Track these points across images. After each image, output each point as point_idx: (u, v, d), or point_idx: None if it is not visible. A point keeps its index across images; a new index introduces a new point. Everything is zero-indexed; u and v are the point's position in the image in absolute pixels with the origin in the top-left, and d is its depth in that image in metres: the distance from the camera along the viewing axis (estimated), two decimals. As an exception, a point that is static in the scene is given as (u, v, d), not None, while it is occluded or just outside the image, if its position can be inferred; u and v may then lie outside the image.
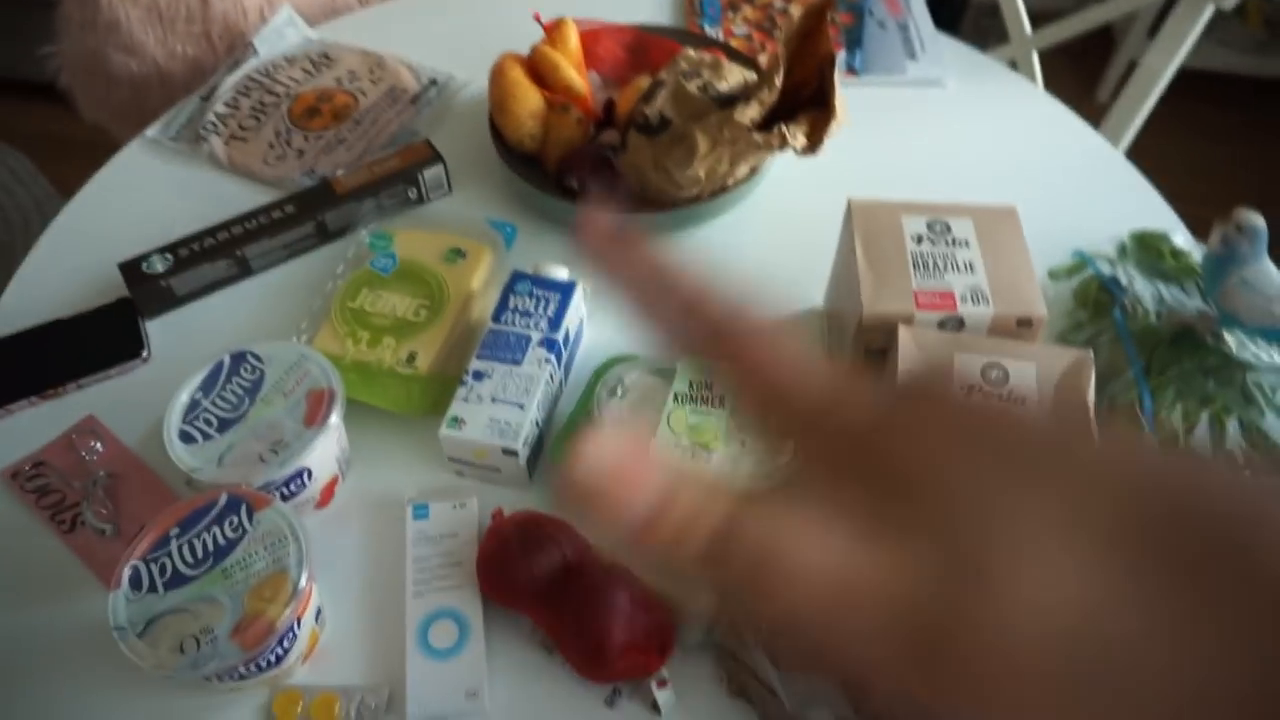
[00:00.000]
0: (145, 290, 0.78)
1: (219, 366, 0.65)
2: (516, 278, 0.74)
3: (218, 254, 0.79)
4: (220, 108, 0.94)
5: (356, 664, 0.61)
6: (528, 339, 0.69)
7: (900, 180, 0.87)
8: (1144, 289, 0.70)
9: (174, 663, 0.52)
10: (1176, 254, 0.74)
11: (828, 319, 0.77)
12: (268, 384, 0.64)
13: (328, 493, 0.66)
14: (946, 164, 0.91)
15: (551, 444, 0.65)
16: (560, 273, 0.74)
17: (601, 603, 0.57)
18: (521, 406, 0.66)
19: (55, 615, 0.63)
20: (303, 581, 0.55)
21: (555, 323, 0.70)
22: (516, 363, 0.68)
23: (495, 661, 0.60)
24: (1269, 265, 0.65)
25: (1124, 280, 0.72)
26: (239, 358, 0.65)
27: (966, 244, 0.66)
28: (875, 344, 0.65)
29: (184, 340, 0.78)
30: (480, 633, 0.60)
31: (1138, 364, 0.65)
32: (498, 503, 0.66)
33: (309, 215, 0.82)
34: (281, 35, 1.02)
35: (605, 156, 0.82)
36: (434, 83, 0.97)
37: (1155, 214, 0.87)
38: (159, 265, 0.78)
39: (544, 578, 0.59)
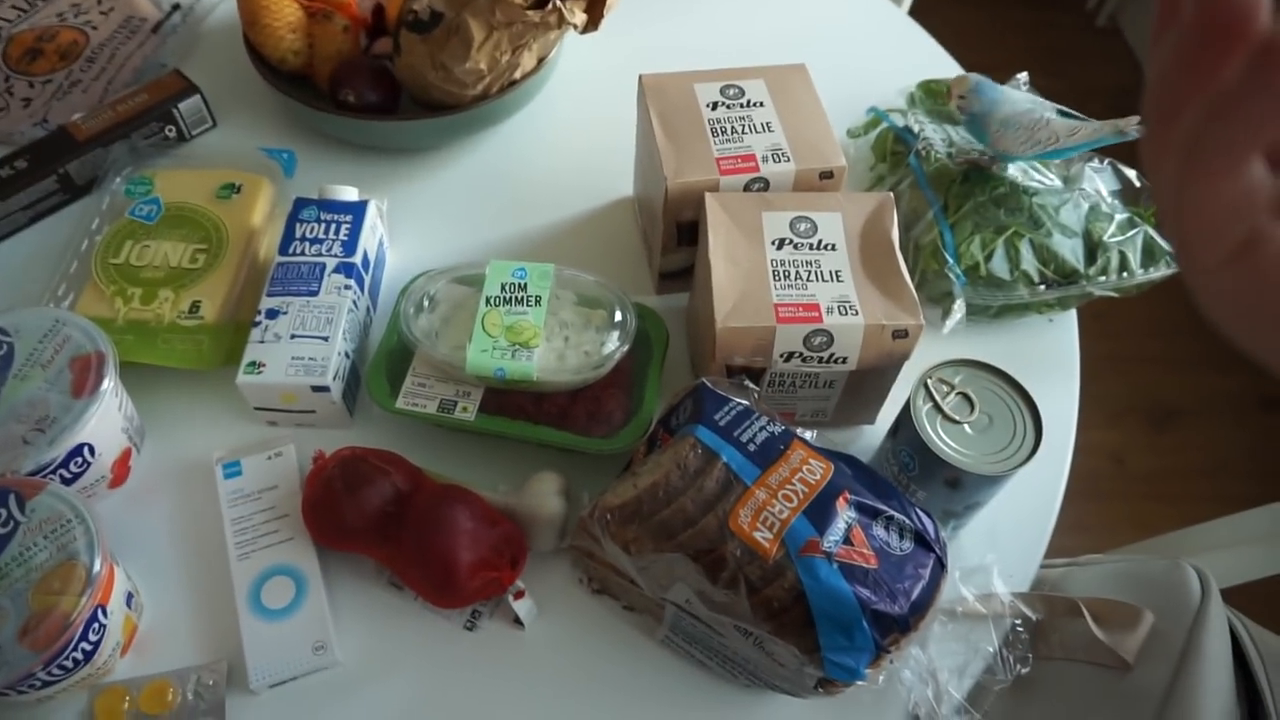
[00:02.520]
0: None
1: (-44, 347, 0.56)
2: (300, 204, 0.67)
3: (-60, 226, 0.68)
4: (-84, 61, 0.80)
5: (186, 645, 0.55)
6: (321, 266, 0.64)
7: (690, 55, 0.85)
8: (934, 133, 0.72)
9: (-45, 681, 0.45)
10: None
11: (638, 203, 0.74)
12: (20, 357, 0.56)
13: (121, 468, 0.59)
14: (735, 35, 0.90)
15: (368, 375, 0.61)
16: (349, 193, 0.68)
17: (443, 526, 0.54)
18: (326, 339, 0.60)
19: None
20: (97, 565, 0.48)
21: (350, 246, 0.65)
22: (313, 293, 0.63)
23: (341, 609, 0.56)
24: (1012, 96, 0.67)
25: (915, 128, 0.73)
26: (-21, 334, 0.57)
27: (761, 105, 0.65)
28: (685, 216, 0.63)
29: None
30: (319, 583, 0.56)
31: (936, 204, 0.67)
32: (317, 445, 0.61)
33: (48, 168, 0.72)
34: (-20, -30, 0.88)
35: (381, 65, 0.75)
36: (176, 7, 0.87)
37: (939, 65, 0.89)
38: None
39: (377, 513, 0.55)
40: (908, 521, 0.49)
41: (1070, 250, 0.66)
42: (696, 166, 0.62)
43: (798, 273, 0.57)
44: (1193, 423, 1.62)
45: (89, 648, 0.50)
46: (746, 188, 0.62)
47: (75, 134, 0.73)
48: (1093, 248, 0.67)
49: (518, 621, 0.56)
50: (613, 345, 0.58)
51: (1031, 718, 0.55)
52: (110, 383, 0.56)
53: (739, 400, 0.53)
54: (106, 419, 0.56)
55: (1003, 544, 0.61)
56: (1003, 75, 0.74)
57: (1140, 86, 0.23)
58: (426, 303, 0.60)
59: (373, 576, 0.58)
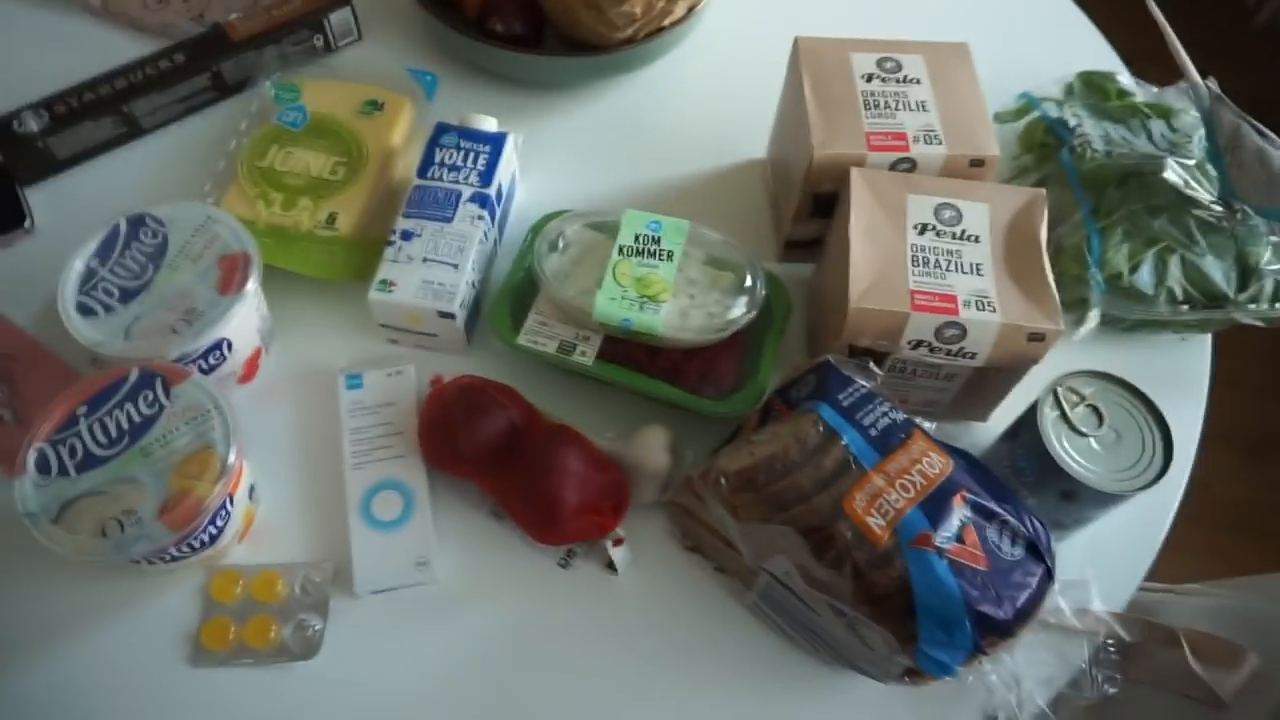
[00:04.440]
0: (19, 152, 0.69)
1: (115, 231, 0.59)
2: (441, 130, 0.68)
3: (101, 110, 0.71)
4: (87, -55, 0.83)
5: (297, 541, 0.58)
6: (458, 194, 0.65)
7: (844, 22, 0.83)
8: (1092, 129, 0.69)
9: (96, 547, 0.48)
10: (1123, 94, 0.72)
11: (771, 167, 0.73)
12: (173, 249, 0.58)
13: (251, 366, 0.62)
14: (892, 4, 0.86)
15: (491, 307, 0.62)
16: (488, 123, 0.69)
17: (552, 465, 0.55)
18: (455, 266, 0.62)
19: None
20: (231, 456, 0.51)
21: (487, 177, 0.66)
22: (447, 220, 0.64)
23: (443, 530, 0.58)
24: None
25: (1071, 122, 0.70)
26: (137, 221, 0.59)
27: (918, 82, 0.63)
28: (825, 188, 0.62)
29: (71, 209, 0.71)
30: (426, 502, 0.58)
31: (1086, 205, 0.64)
32: (435, 370, 0.63)
33: (203, 65, 0.74)
34: None
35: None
36: (333, -84, 0.87)
37: (1100, 56, 0.85)
38: (33, 123, 0.70)
39: (491, 443, 0.56)
40: (1021, 528, 0.49)
41: (1222, 273, 0.63)
42: (845, 139, 0.60)
43: (937, 261, 0.56)
44: (1292, 459, 1.55)
45: (215, 531, 0.53)
46: (893, 167, 0.61)
47: (231, 34, 0.75)
48: (1246, 273, 0.64)
49: (610, 566, 0.57)
50: (739, 310, 0.58)
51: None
52: (254, 284, 0.58)
53: (862, 382, 0.52)
54: (246, 317, 0.58)
55: (1103, 561, 0.59)
56: (1159, 74, 0.70)
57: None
58: (561, 243, 0.61)
59: (476, 504, 0.59)
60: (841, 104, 0.62)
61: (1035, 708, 0.53)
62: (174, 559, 0.52)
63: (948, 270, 0.55)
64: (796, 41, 0.65)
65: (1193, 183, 0.64)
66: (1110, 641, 0.55)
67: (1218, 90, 0.69)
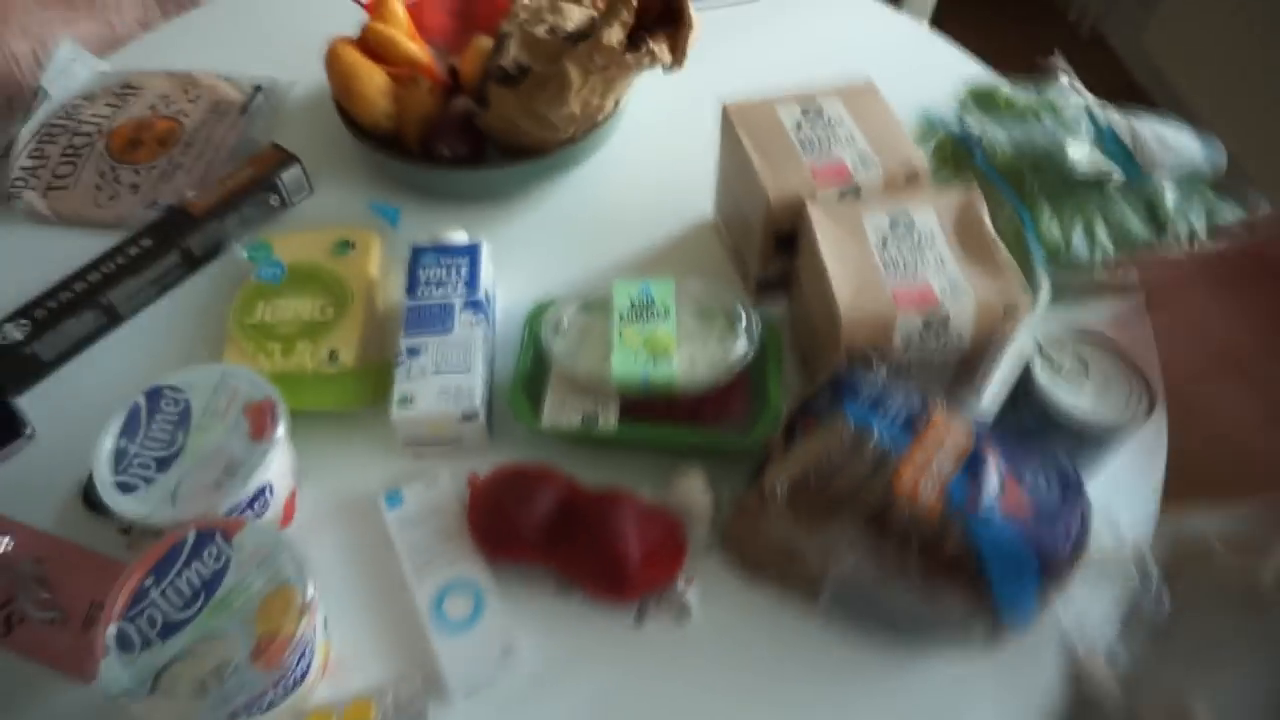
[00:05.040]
0: (6, 364, 0.70)
1: (135, 408, 0.60)
2: (418, 252, 0.72)
3: (80, 306, 0.72)
4: (26, 161, 0.85)
5: (375, 666, 0.59)
6: (450, 306, 0.68)
7: (743, 88, 0.91)
8: (994, 132, 0.78)
9: (198, 707, 0.48)
10: (1010, 101, 0.82)
11: (724, 223, 0.80)
12: (197, 411, 0.60)
13: (290, 508, 0.63)
14: (781, 70, 0.96)
15: (510, 399, 0.65)
16: (459, 237, 0.73)
17: (610, 523, 0.58)
18: (467, 370, 0.65)
19: (21, 720, 0.57)
20: (310, 589, 0.52)
21: (473, 284, 0.70)
22: (447, 331, 0.67)
23: (515, 618, 0.59)
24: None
25: (975, 130, 0.79)
26: (154, 394, 0.61)
27: (841, 121, 0.71)
28: (784, 228, 0.68)
29: (66, 408, 0.71)
30: (494, 593, 0.59)
31: (1012, 195, 0.72)
32: (466, 471, 0.65)
33: (171, 244, 0.76)
34: (70, 73, 0.94)
35: (469, 120, 0.81)
36: (259, 89, 0.92)
37: (976, 74, 0.95)
38: (15, 333, 0.71)
39: (545, 520, 0.59)
40: (1054, 470, 0.53)
41: (1140, 227, 0.71)
42: (793, 180, 0.67)
43: (905, 264, 0.62)
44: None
45: (304, 669, 0.53)
46: (840, 196, 0.67)
47: (191, 210, 0.78)
48: (1159, 223, 0.72)
49: (682, 613, 0.59)
50: (742, 347, 0.63)
51: (1174, 662, 0.59)
52: (284, 425, 0.59)
53: (874, 381, 0.57)
54: (282, 460, 0.60)
55: (1121, 498, 0.65)
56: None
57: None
58: (563, 325, 0.65)
59: (539, 586, 0.61)
60: (782, 152, 0.69)
61: (1105, 644, 0.57)
62: (270, 706, 0.52)
63: (917, 269, 0.61)
64: (725, 108, 0.72)
65: (1092, 157, 0.73)
66: (1151, 565, 0.59)
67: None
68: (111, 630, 0.50)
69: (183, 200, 0.79)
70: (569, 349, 0.64)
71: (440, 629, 0.58)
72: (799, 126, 0.70)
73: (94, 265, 0.75)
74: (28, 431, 0.69)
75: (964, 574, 0.51)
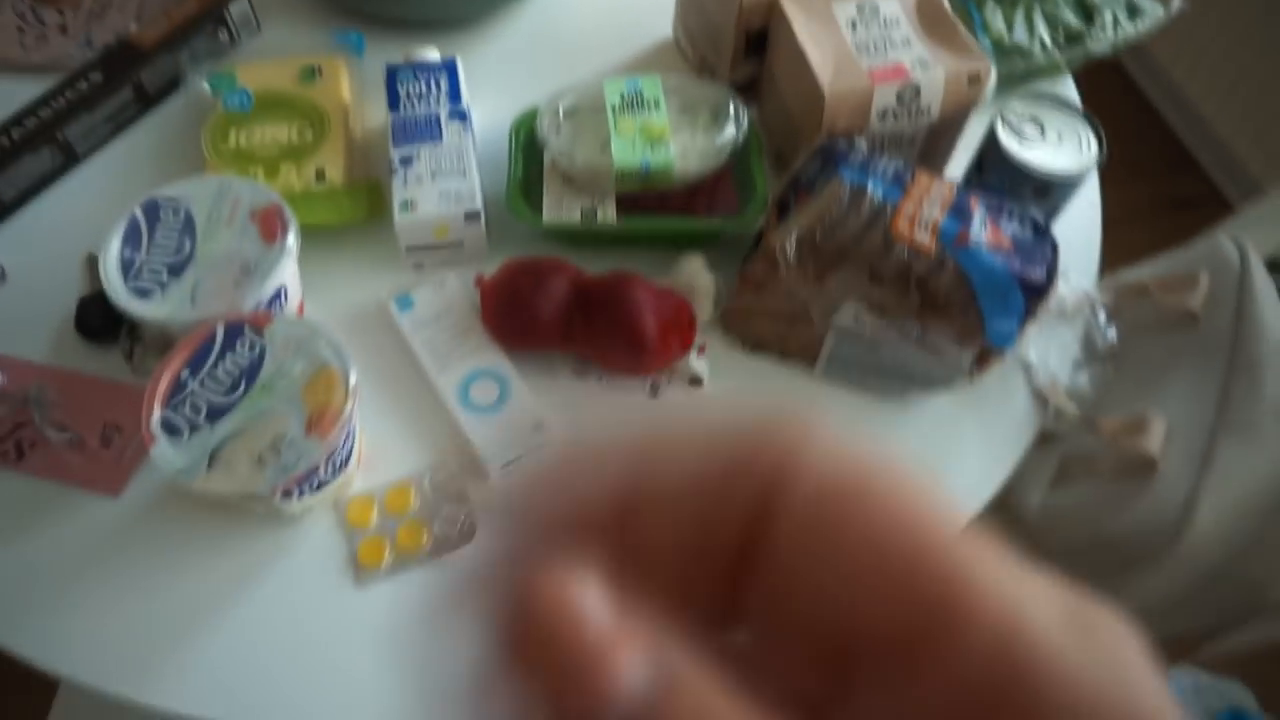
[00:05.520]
0: (-35, 204, 0.67)
1: (134, 220, 0.59)
2: (393, 70, 0.71)
3: (37, 141, 0.69)
4: (-66, 4, 0.79)
5: (408, 456, 0.61)
6: (436, 116, 0.69)
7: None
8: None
9: (260, 477, 0.50)
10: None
11: (687, 36, 0.81)
12: (200, 219, 0.59)
13: (300, 315, 0.63)
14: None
15: (509, 202, 0.66)
16: (432, 55, 0.73)
17: (627, 302, 0.61)
18: (464, 173, 0.66)
19: (64, 540, 0.57)
20: (351, 370, 0.53)
21: (455, 96, 0.70)
22: (437, 139, 0.67)
23: (538, 399, 0.63)
24: None
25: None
26: (151, 205, 0.60)
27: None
28: (754, 25, 0.71)
29: (38, 248, 0.69)
30: (519, 376, 0.62)
31: (958, -13, 0.77)
32: (463, 278, 0.66)
33: (122, 79, 0.73)
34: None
35: (422, -60, 0.79)
36: (181, -74, 0.87)
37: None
38: (-31, 173, 0.67)
39: (561, 305, 0.61)
40: (1024, 216, 0.59)
41: (1072, 14, 0.77)
42: (764, -28, 0.69)
43: (876, 45, 0.66)
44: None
45: (348, 451, 0.55)
46: (809, -13, 0.70)
47: (138, 43, 0.75)
48: (1088, 11, 0.78)
49: (695, 380, 0.64)
50: (730, 134, 0.66)
51: (1125, 383, 0.67)
52: (294, 229, 0.60)
53: (859, 148, 0.62)
54: (293, 265, 0.60)
55: (1069, 253, 0.72)
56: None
57: None
58: (561, 116, 0.66)
59: (555, 370, 0.64)
60: (747, -52, 0.71)
61: (1064, 374, 0.65)
62: (319, 487, 0.54)
63: (888, 49, 0.65)
64: (687, -89, 0.73)
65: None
66: (1100, 305, 0.67)
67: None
68: (155, 419, 0.51)
69: (126, 35, 0.76)
70: (564, 146, 0.66)
71: (470, 413, 0.61)
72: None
73: (44, 101, 0.71)
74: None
75: (957, 304, 0.56)
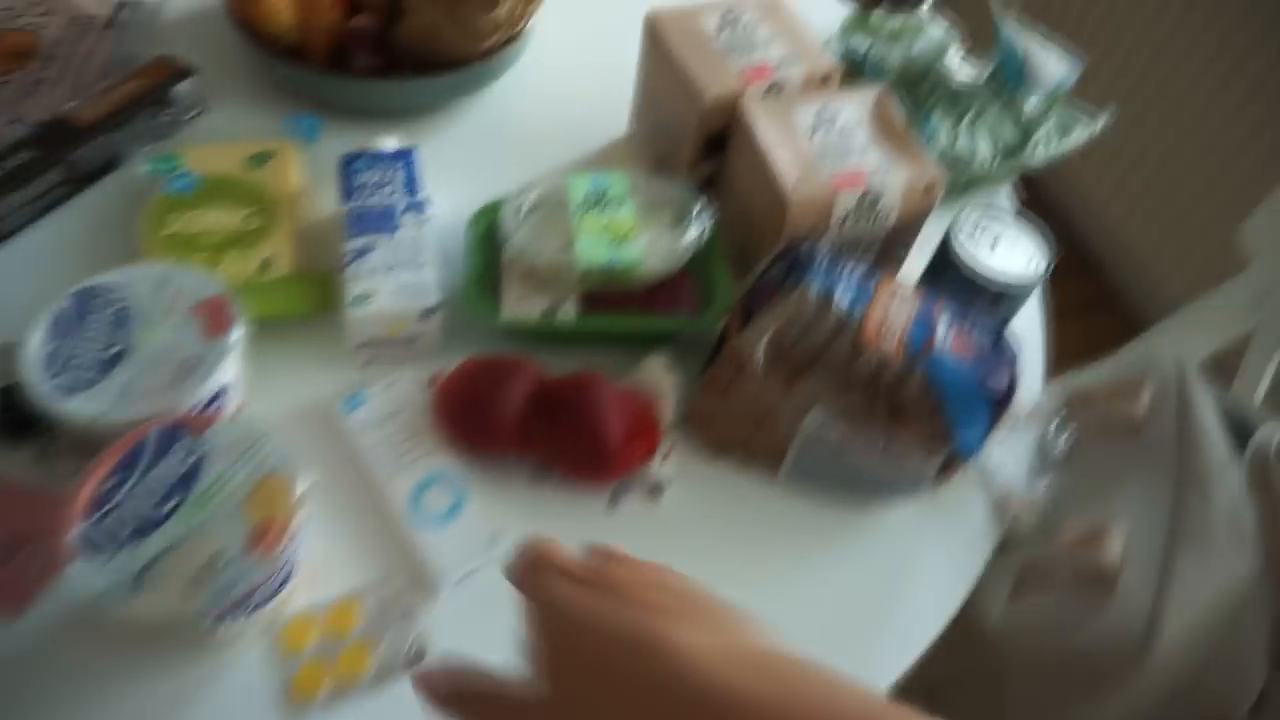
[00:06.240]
0: None
1: (62, 310, 0.55)
2: (349, 158, 0.70)
3: (-46, 223, 0.65)
4: None
5: (351, 570, 0.57)
6: (392, 208, 0.67)
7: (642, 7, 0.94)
8: (880, 50, 0.84)
9: (194, 599, 0.45)
10: (883, 26, 0.89)
11: (646, 133, 0.82)
12: (137, 309, 0.55)
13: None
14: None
15: (467, 297, 0.64)
16: (389, 144, 0.71)
17: (590, 406, 0.59)
18: (421, 267, 0.64)
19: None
20: (300, 478, 0.50)
21: (411, 187, 0.68)
22: (392, 231, 0.65)
23: (494, 507, 0.59)
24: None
25: (861, 49, 0.85)
26: (83, 294, 0.55)
27: (758, 26, 0.75)
28: (716, 128, 0.71)
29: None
30: (473, 484, 0.59)
31: (906, 100, 0.79)
32: (421, 375, 0.64)
33: (53, 158, 0.69)
34: (-112, -19, 0.82)
35: (381, 31, 0.78)
36: (123, 5, 0.85)
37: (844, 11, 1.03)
38: (-126, 254, 0.62)
39: (521, 407, 0.59)
40: (983, 323, 0.60)
41: (1011, 130, 0.80)
42: (725, 80, 0.70)
43: (836, 151, 0.67)
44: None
45: (290, 569, 0.51)
46: (766, 93, 0.71)
47: (76, 122, 0.71)
48: (1027, 126, 0.81)
49: (656, 489, 0.62)
50: (694, 233, 0.66)
51: (1081, 491, 0.67)
52: (241, 323, 0.56)
53: (823, 253, 0.62)
54: (237, 363, 0.57)
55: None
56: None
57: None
58: (523, 213, 0.65)
59: (510, 476, 0.61)
60: (708, 56, 0.72)
61: (1021, 482, 0.65)
62: (256, 607, 0.50)
63: (848, 156, 0.66)
64: (650, 18, 0.74)
65: (964, 70, 0.82)
66: (1051, 413, 0.68)
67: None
68: (75, 534, 0.46)
69: (62, 113, 0.72)
70: (527, 241, 0.65)
71: (422, 524, 0.57)
72: (719, 31, 0.74)
73: (-35, 179, 0.67)
74: (-98, 363, 0.61)
75: (924, 412, 0.56)
